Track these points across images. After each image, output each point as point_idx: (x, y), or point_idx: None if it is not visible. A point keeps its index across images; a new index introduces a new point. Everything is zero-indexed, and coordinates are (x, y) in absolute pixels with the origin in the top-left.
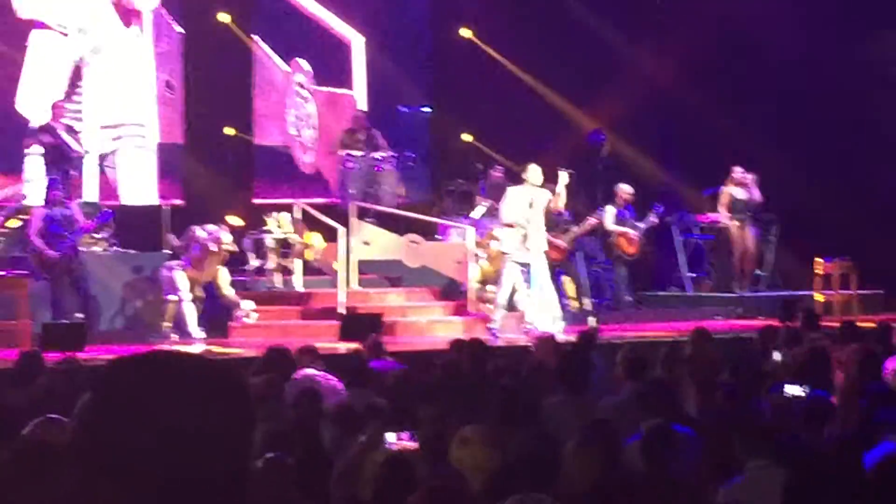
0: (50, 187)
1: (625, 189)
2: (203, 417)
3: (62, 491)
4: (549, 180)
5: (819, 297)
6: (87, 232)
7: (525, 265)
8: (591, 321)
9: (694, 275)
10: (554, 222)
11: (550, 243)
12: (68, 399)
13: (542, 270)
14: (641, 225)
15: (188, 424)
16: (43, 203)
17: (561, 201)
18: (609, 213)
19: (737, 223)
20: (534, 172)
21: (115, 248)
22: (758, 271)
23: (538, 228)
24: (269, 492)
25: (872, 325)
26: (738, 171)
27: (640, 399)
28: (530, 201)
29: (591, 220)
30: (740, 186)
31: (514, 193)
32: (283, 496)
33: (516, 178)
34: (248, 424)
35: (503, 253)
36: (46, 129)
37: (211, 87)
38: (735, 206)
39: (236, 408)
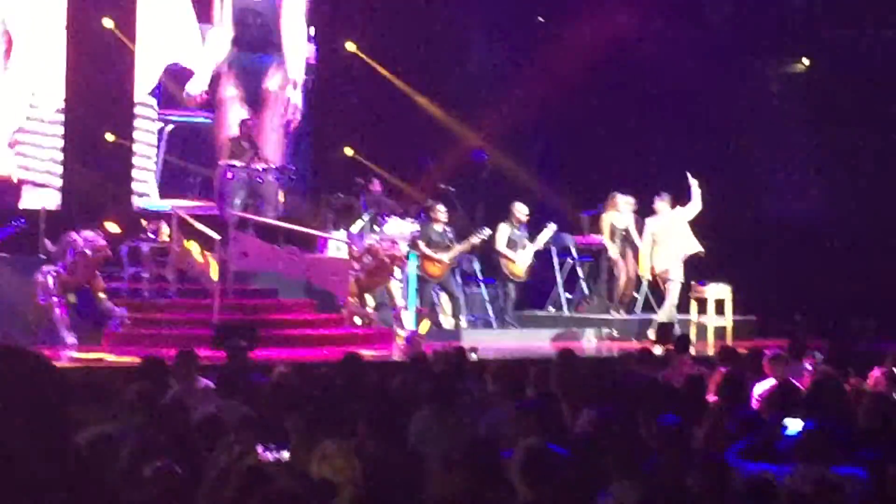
0: None
1: (520, 209)
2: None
3: None
4: (432, 198)
5: (693, 319)
6: None
7: None
8: (473, 356)
9: (570, 296)
10: (437, 240)
11: (432, 259)
12: None
13: None
14: (533, 245)
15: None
16: None
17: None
18: (501, 233)
19: (617, 249)
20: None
21: None
22: (633, 294)
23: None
24: (157, 500)
25: (744, 350)
26: (618, 197)
27: (521, 417)
28: None
29: (474, 241)
30: (620, 212)
31: None
32: None
33: (394, 194)
34: (53, 401)
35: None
36: None
37: (93, 92)
38: (616, 233)
39: (39, 387)
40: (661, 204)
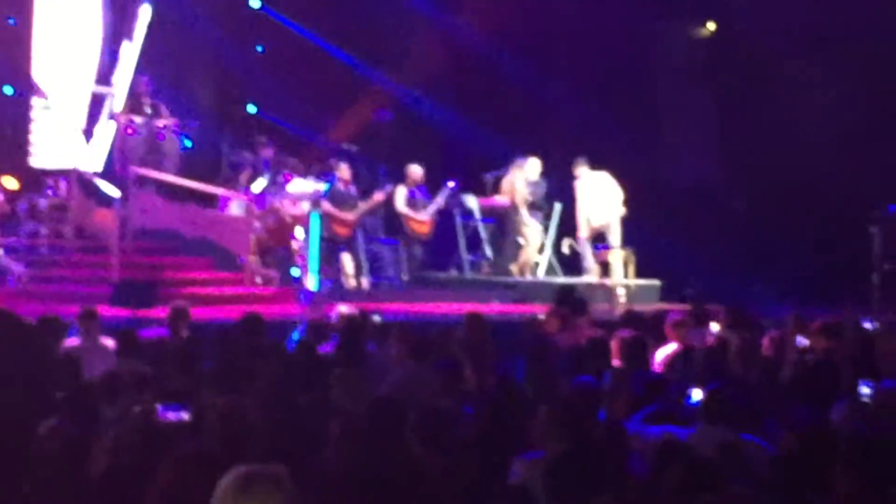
0: None
1: (415, 170)
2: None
3: None
4: (333, 156)
5: (591, 278)
6: None
7: None
8: (376, 318)
9: (472, 258)
10: (342, 198)
11: (339, 219)
12: None
13: None
14: (433, 205)
15: None
16: None
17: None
18: (399, 194)
19: (523, 213)
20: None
21: None
22: (536, 258)
23: None
24: (53, 458)
25: (648, 314)
26: (522, 162)
27: (424, 379)
28: None
29: (378, 197)
30: (525, 177)
31: None
32: (67, 463)
33: (297, 152)
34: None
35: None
36: None
37: None
38: (521, 197)
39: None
40: (580, 169)
